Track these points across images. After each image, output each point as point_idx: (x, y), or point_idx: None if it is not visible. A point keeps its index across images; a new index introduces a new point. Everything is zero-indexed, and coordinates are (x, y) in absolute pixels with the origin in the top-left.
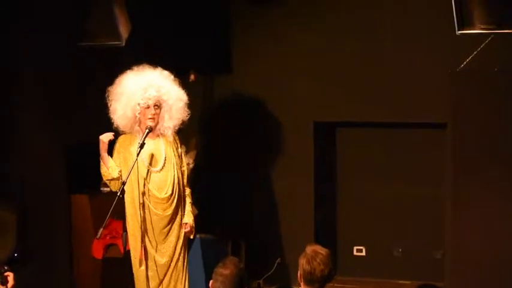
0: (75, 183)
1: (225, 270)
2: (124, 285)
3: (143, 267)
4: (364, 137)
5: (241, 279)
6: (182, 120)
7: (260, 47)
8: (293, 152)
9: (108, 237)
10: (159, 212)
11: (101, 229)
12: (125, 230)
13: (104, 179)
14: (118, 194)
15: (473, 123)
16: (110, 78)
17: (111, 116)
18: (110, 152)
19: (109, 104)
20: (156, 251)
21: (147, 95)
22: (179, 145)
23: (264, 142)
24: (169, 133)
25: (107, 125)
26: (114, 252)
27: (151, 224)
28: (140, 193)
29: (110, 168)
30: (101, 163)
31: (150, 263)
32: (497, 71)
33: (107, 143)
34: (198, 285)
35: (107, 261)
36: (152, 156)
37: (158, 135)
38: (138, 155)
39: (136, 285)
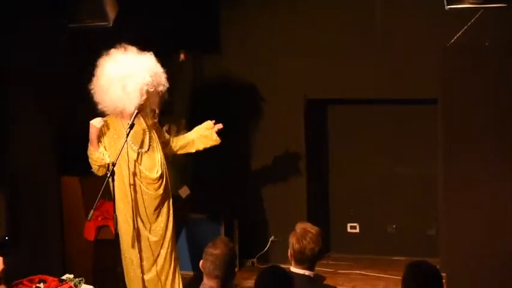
0: (66, 165)
1: (215, 250)
2: (116, 266)
3: (136, 249)
4: (355, 114)
5: (232, 258)
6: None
7: (250, 25)
8: (284, 130)
9: (99, 219)
10: (152, 192)
11: (92, 211)
12: (115, 211)
13: (95, 164)
14: (108, 175)
15: (464, 98)
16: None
17: (103, 98)
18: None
19: (100, 86)
20: (149, 231)
21: (150, 80)
22: (158, 126)
23: (255, 120)
24: (153, 115)
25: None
26: (106, 233)
27: (144, 204)
28: (131, 175)
29: (101, 153)
30: (90, 148)
31: (143, 243)
32: (488, 45)
33: (99, 128)
34: (190, 264)
35: (98, 243)
36: (138, 137)
37: (141, 117)
38: (128, 135)
39: (126, 269)
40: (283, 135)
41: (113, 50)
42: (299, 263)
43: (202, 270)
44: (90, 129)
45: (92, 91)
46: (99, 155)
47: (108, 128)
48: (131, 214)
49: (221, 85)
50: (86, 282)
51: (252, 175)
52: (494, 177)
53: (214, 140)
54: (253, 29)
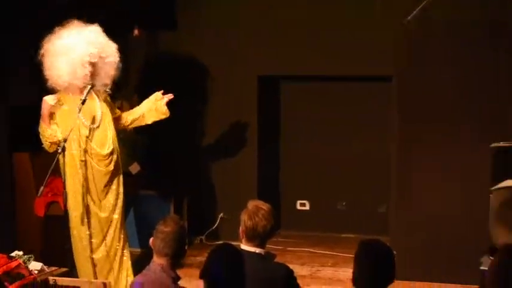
0: (17, 142)
1: (165, 228)
2: (65, 241)
3: (85, 225)
4: (308, 91)
5: (182, 236)
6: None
7: (204, 2)
8: (237, 106)
9: (49, 195)
10: (102, 168)
11: (42, 187)
12: (65, 187)
13: (47, 141)
14: (59, 152)
15: (418, 77)
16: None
17: (51, 74)
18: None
19: (46, 62)
20: (99, 208)
21: (93, 51)
22: (110, 101)
23: (208, 97)
24: (104, 89)
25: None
26: (56, 209)
27: (94, 181)
28: (82, 151)
29: (54, 130)
30: (42, 125)
31: (93, 220)
32: (443, 22)
33: (52, 105)
34: (140, 242)
35: (48, 219)
36: (90, 113)
37: (93, 93)
38: (79, 111)
39: (75, 245)
40: (235, 112)
41: (58, 28)
42: (250, 240)
43: (152, 247)
44: (43, 106)
45: (42, 68)
46: (51, 132)
47: (61, 105)
48: (81, 191)
49: (175, 61)
50: (35, 259)
51: (203, 152)
52: (446, 156)
53: (163, 112)
54: (207, 6)
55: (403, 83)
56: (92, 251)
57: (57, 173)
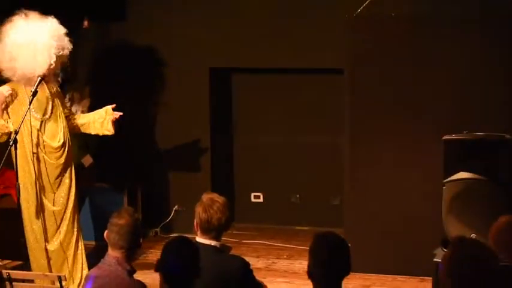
0: None
1: (119, 220)
2: (18, 236)
3: (39, 219)
4: (261, 83)
5: (137, 229)
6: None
7: None
8: (189, 98)
9: (1, 188)
10: (53, 161)
11: None
12: (17, 180)
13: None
14: (11, 144)
15: (369, 69)
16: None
17: (8, 65)
18: None
19: (3, 53)
20: (52, 202)
21: (57, 44)
22: (61, 93)
23: (159, 89)
24: (55, 81)
25: None
26: (8, 202)
27: (47, 173)
28: (33, 143)
29: (6, 121)
30: None
31: (46, 213)
32: (394, 16)
33: (6, 96)
34: (94, 234)
35: (0, 212)
36: (41, 105)
37: (44, 84)
38: (30, 103)
39: (28, 239)
40: (187, 104)
41: (15, 17)
42: (205, 232)
43: (107, 240)
44: None
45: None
46: (3, 123)
47: (15, 97)
48: (33, 183)
49: (125, 53)
50: None
51: (156, 144)
52: (398, 148)
53: (108, 129)
54: None
55: (353, 76)
56: (46, 244)
57: (9, 165)
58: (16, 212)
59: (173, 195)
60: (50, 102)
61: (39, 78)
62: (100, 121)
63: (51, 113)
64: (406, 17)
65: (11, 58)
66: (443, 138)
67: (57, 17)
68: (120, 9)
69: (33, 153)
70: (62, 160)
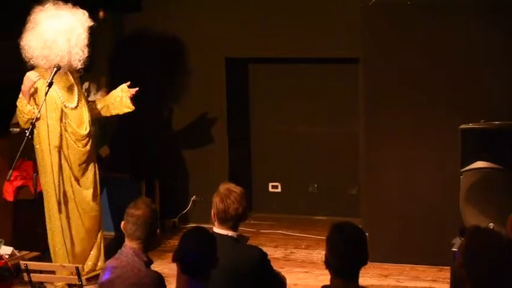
0: None
1: (136, 211)
2: (36, 227)
3: (63, 213)
4: (277, 73)
5: (153, 220)
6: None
7: None
8: (206, 88)
9: (19, 179)
10: (80, 148)
11: (11, 171)
12: (35, 171)
13: (26, 117)
14: (27, 135)
15: (385, 58)
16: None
17: (39, 54)
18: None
19: (37, 42)
20: (79, 184)
21: (86, 36)
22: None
23: (176, 80)
24: (77, 71)
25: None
26: (26, 193)
27: (72, 161)
28: (63, 131)
29: (33, 107)
30: (23, 101)
31: (71, 205)
32: (410, 4)
33: (35, 82)
34: (112, 225)
35: (18, 203)
36: (68, 93)
37: (67, 73)
38: (46, 94)
39: (54, 231)
40: (204, 94)
41: (45, 5)
42: (222, 222)
43: (123, 231)
44: (25, 82)
45: (26, 46)
46: (31, 108)
47: (42, 84)
48: (56, 172)
49: (141, 43)
50: (6, 244)
51: (173, 134)
52: (413, 136)
53: (127, 105)
54: None
55: (369, 65)
56: (71, 235)
57: (26, 156)
58: (34, 203)
59: (191, 186)
60: (76, 91)
61: (55, 69)
62: (118, 100)
63: (78, 101)
64: (422, 5)
65: (45, 46)
66: (460, 127)
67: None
68: (136, 0)
69: (60, 141)
70: (88, 147)
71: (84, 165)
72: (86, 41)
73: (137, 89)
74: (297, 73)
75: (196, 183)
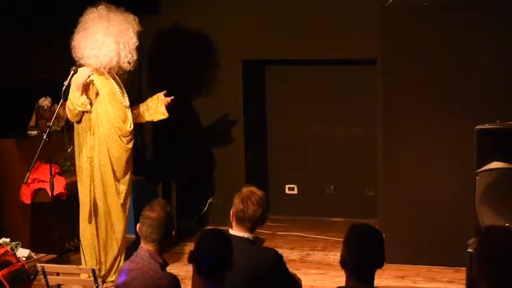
0: (1, 128)
1: (151, 213)
2: (52, 229)
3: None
4: (293, 75)
5: (169, 222)
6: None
7: None
8: (222, 91)
9: (36, 182)
10: (125, 144)
11: (28, 173)
12: (51, 174)
13: (79, 108)
14: (45, 138)
15: (402, 59)
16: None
17: (89, 54)
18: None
19: (89, 43)
20: (119, 181)
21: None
22: None
23: (193, 82)
24: (128, 68)
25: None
26: (43, 196)
27: (115, 157)
28: (114, 128)
29: (85, 100)
30: (76, 93)
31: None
32: (427, 5)
33: (89, 75)
34: (134, 229)
35: (35, 206)
36: (121, 92)
37: (115, 75)
38: (63, 95)
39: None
40: (221, 96)
41: (99, 7)
42: (240, 223)
43: (139, 233)
44: (80, 75)
45: (76, 46)
46: (84, 101)
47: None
48: (96, 165)
49: (159, 46)
50: (23, 246)
51: (190, 136)
52: (430, 138)
53: (162, 112)
54: None
55: (386, 66)
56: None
57: (44, 159)
58: (51, 206)
59: (207, 188)
60: (119, 92)
61: (72, 72)
62: (153, 106)
63: (123, 99)
64: (439, 6)
65: (94, 46)
66: (477, 127)
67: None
68: (154, 3)
69: (115, 137)
70: (131, 145)
71: (128, 164)
72: (135, 44)
73: (173, 97)
74: (313, 74)
75: (213, 186)
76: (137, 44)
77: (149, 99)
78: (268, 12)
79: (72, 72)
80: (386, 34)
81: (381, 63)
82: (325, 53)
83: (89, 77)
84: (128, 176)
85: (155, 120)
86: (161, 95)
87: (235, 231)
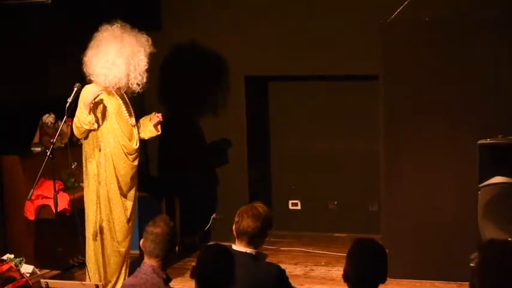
0: (6, 144)
1: (155, 229)
2: (56, 245)
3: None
4: (296, 91)
5: (172, 237)
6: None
7: (190, 2)
8: (225, 107)
9: (40, 198)
10: (130, 162)
11: (32, 190)
12: (55, 190)
13: (86, 126)
14: (48, 154)
15: (404, 74)
16: (42, 38)
17: (99, 72)
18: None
19: (100, 61)
20: (126, 197)
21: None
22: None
23: (196, 98)
24: (137, 89)
25: (38, 85)
26: (47, 213)
27: (120, 174)
28: (120, 146)
29: (92, 118)
30: (83, 111)
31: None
32: (428, 21)
33: (97, 94)
34: (137, 244)
35: (39, 222)
36: (128, 109)
37: (121, 91)
38: (67, 111)
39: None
40: (224, 112)
41: (113, 26)
42: (238, 237)
43: (142, 249)
44: (88, 93)
45: (87, 62)
46: (91, 119)
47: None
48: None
49: (161, 62)
50: (27, 262)
51: (194, 153)
52: (433, 153)
53: (150, 130)
54: (193, 6)
55: (388, 82)
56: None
57: (47, 175)
58: (55, 222)
59: (211, 204)
60: (128, 109)
61: (76, 88)
62: (144, 124)
63: (130, 118)
64: (440, 22)
65: (104, 66)
66: (478, 142)
67: (93, 26)
68: (156, 19)
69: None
70: (136, 163)
71: (133, 181)
72: (145, 67)
73: (160, 114)
74: (316, 90)
75: (216, 201)
76: (147, 66)
77: (142, 118)
78: (271, 28)
79: (76, 88)
80: (388, 50)
81: (383, 78)
82: (328, 69)
83: (98, 96)
84: (132, 192)
85: (146, 138)
86: (153, 114)
87: (237, 246)
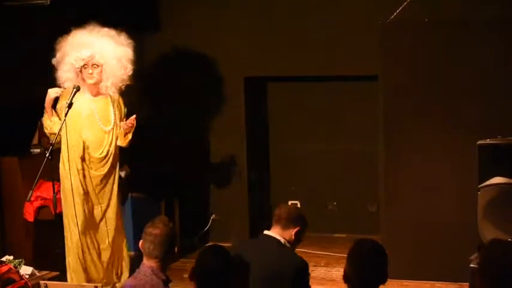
0: (4, 146)
1: (154, 230)
2: (55, 246)
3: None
4: (295, 91)
5: (171, 238)
6: (123, 79)
7: (189, 2)
8: (224, 108)
9: (39, 199)
10: (96, 173)
11: (31, 191)
12: (54, 192)
13: (46, 131)
14: (47, 155)
15: (404, 75)
16: (41, 39)
17: (58, 73)
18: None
19: (56, 62)
20: (97, 201)
21: (79, 54)
22: (122, 106)
23: (195, 99)
24: (110, 92)
25: (37, 86)
26: (46, 214)
27: (91, 184)
28: (85, 152)
29: (52, 122)
30: (45, 115)
31: (91, 220)
32: (428, 21)
33: (53, 98)
34: (133, 245)
35: (38, 224)
36: (105, 115)
37: (104, 94)
38: (66, 115)
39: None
40: (223, 113)
41: (90, 27)
42: (276, 223)
43: (141, 250)
44: (46, 97)
45: (56, 65)
46: (49, 123)
47: (66, 102)
48: (81, 197)
49: (159, 63)
50: (26, 264)
51: (193, 153)
52: (433, 154)
53: (121, 139)
54: (192, 6)
55: (387, 82)
56: (98, 250)
57: (46, 177)
58: (54, 223)
59: (210, 205)
60: (112, 114)
61: (74, 89)
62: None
63: (114, 124)
64: (440, 22)
65: (70, 69)
66: (478, 143)
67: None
68: (154, 20)
69: (82, 163)
70: (105, 170)
71: (102, 184)
72: (117, 68)
73: (132, 117)
74: (315, 91)
75: (216, 202)
76: (127, 71)
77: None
78: (269, 29)
79: (74, 90)
80: (387, 50)
81: (382, 79)
82: (327, 69)
83: (52, 100)
84: (113, 201)
85: (123, 145)
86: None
87: (269, 232)
